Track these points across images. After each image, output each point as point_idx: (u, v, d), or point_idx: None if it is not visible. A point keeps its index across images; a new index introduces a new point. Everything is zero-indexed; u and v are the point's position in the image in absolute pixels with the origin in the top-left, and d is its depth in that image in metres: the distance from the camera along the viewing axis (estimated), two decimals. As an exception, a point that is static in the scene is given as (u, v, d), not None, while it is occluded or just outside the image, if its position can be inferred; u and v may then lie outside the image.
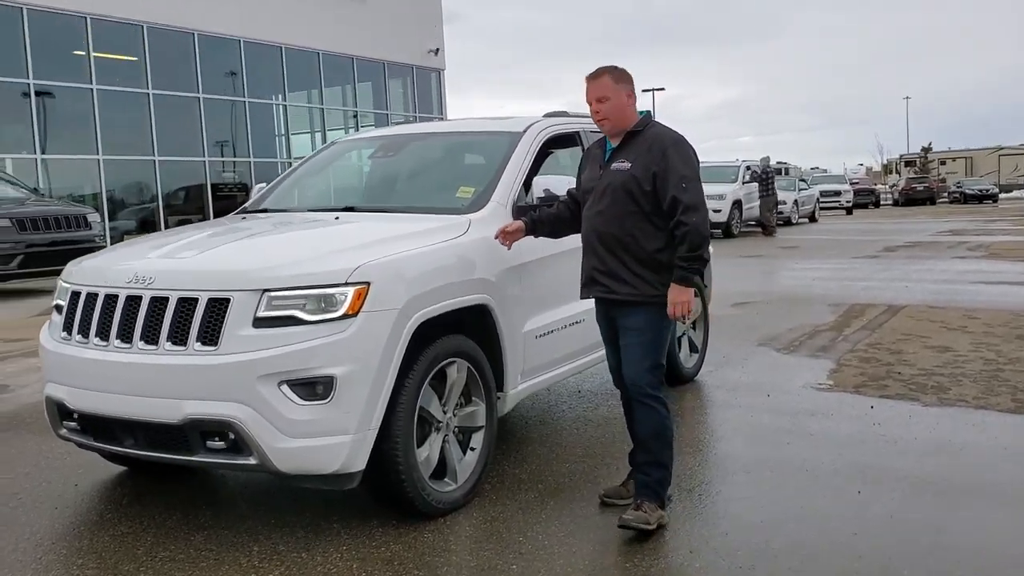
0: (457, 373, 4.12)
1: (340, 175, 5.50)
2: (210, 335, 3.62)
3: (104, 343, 3.83)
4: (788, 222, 27.21)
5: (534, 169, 5.17)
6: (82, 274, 4.14)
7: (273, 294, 3.62)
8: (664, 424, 3.85)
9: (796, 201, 28.16)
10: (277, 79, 26.32)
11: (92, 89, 21.03)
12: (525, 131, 5.11)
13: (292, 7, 25.74)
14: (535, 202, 4.70)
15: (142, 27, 22.08)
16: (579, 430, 5.40)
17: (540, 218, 4.31)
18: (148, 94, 22.33)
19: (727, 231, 22.05)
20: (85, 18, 20.85)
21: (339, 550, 3.70)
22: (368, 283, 3.67)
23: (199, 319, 3.64)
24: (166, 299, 3.72)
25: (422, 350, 3.91)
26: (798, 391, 6.22)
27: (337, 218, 4.60)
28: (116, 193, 22.26)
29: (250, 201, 5.56)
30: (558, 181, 4.70)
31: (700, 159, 3.95)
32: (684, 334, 6.55)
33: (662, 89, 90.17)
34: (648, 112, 4.01)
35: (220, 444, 3.64)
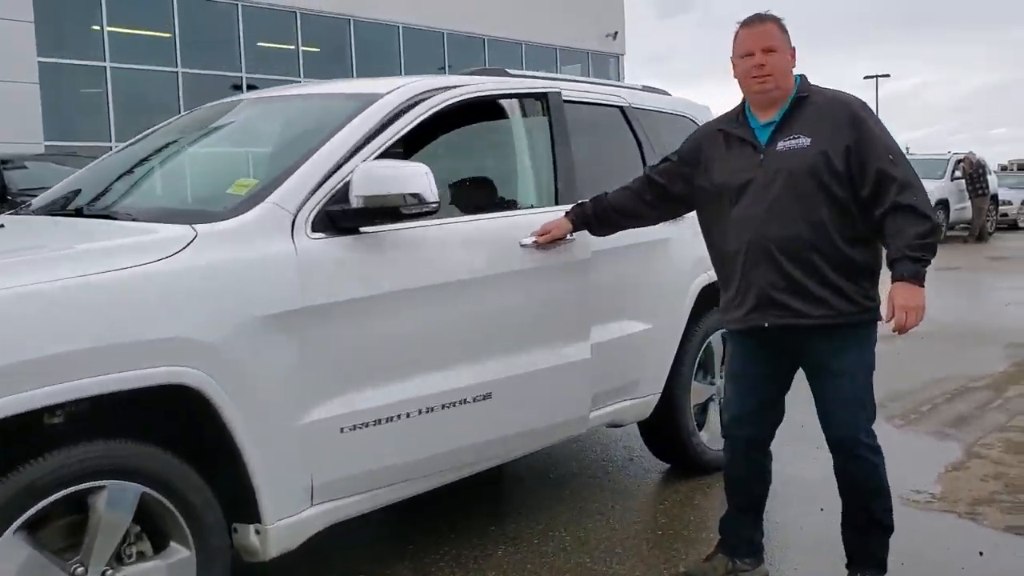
0: (107, 508, 2.35)
1: (143, 157, 3.74)
2: None
3: None
4: (1014, 225, 23.31)
5: (405, 155, 3.32)
6: None
7: None
8: (884, 477, 3.08)
9: (1024, 202, 24.11)
10: (439, 65, 25.20)
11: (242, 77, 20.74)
12: (388, 94, 3.25)
13: (456, -10, 24.58)
14: (353, 205, 2.85)
15: (295, 13, 21.61)
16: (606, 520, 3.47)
17: (604, 207, 3.40)
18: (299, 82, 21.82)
19: (927, 236, 18.66)
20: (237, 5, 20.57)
21: None
22: None
23: None
24: None
25: (7, 471, 2.19)
26: (877, 505, 3.96)
27: (2, 226, 2.95)
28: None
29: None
30: (400, 171, 2.86)
31: (905, 149, 2.82)
32: (713, 396, 4.45)
33: (887, 76, 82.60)
34: (802, 75, 3.12)
35: None
